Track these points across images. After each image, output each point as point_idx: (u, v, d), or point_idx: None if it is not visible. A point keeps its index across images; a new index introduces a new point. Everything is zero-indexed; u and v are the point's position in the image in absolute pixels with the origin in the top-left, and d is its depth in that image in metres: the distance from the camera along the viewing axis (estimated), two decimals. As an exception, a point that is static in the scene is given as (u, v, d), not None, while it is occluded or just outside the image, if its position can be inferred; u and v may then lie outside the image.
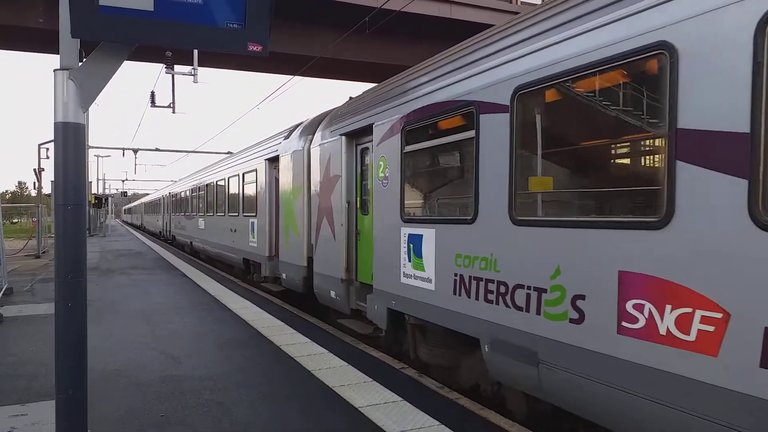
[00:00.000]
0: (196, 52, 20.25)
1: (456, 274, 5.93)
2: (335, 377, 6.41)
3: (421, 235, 6.60)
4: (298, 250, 11.11)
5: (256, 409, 5.43)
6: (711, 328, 3.42)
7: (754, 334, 3.19)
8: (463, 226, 5.82)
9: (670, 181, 3.67)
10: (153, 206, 49.01)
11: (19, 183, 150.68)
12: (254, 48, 3.36)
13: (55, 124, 3.34)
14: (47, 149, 30.43)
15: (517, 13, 20.86)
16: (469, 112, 5.69)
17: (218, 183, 19.33)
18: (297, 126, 12.28)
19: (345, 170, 9.02)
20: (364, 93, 9.40)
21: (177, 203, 30.96)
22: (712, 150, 3.44)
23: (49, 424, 4.88)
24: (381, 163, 7.65)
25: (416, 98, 6.76)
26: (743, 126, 3.25)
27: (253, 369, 6.81)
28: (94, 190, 51.96)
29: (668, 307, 3.68)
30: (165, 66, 21.59)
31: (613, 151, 4.76)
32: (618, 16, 4.09)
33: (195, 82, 21.82)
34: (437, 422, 5.06)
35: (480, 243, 5.55)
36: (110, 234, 48.60)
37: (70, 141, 3.37)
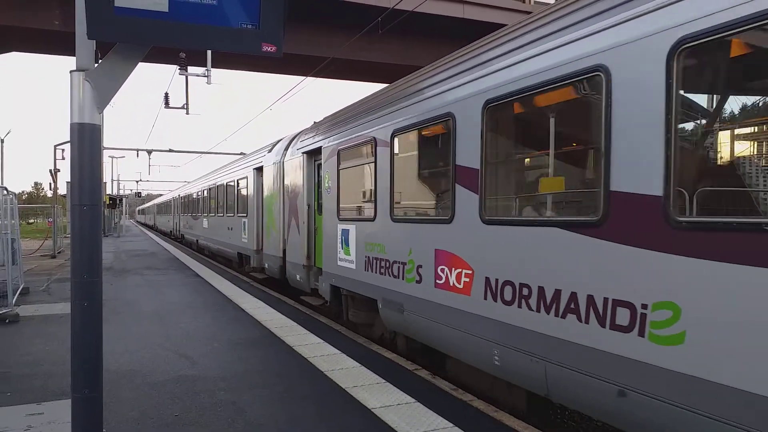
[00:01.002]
0: (209, 53, 20.33)
1: (366, 256, 8.40)
2: (348, 378, 6.40)
3: (349, 230, 9.08)
4: (276, 244, 13.59)
5: (270, 410, 5.43)
6: (468, 280, 5.93)
7: (485, 282, 5.66)
8: (368, 223, 8.31)
9: (453, 195, 6.16)
10: (164, 207, 52.51)
11: (36, 184, 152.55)
12: (268, 49, 3.36)
13: (71, 125, 3.36)
14: (63, 150, 30.71)
15: (529, 12, 20.75)
16: (370, 143, 8.25)
17: (218, 187, 21.79)
18: (277, 141, 14.67)
19: (306, 180, 11.60)
20: (321, 120, 12.01)
21: (185, 205, 33.94)
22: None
23: (64, 423, 4.92)
24: (326, 176, 10.13)
25: (345, 131, 9.38)
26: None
27: (267, 369, 6.82)
28: (108, 191, 52.43)
29: (453, 269, 6.20)
30: (178, 67, 21.73)
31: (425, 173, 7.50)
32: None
33: (208, 83, 21.92)
34: (451, 424, 5.03)
35: (377, 234, 8.05)
36: (124, 234, 49.02)
37: (86, 142, 3.38)
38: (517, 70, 5.26)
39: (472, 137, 5.85)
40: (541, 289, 4.92)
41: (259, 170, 15.57)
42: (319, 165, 10.84)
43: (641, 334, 3.98)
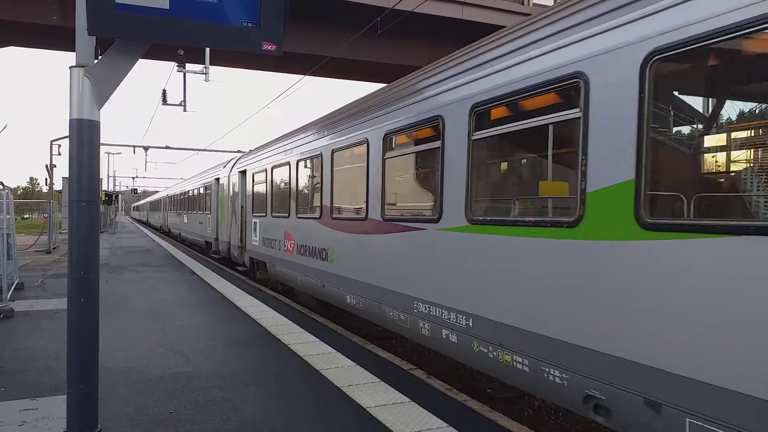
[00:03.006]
0: (207, 50, 20.30)
1: (263, 238, 14.01)
2: (343, 377, 6.41)
3: (256, 222, 14.75)
4: (225, 233, 19.22)
5: (265, 408, 5.44)
6: (292, 246, 11.52)
7: (298, 247, 11.20)
8: (264, 218, 13.92)
9: (289, 201, 12.13)
10: (155, 205, 59.81)
11: (31, 179, 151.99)
12: (269, 47, 3.37)
13: (70, 120, 3.36)
14: (59, 146, 30.63)
15: (528, 14, 20.77)
16: (265, 170, 13.58)
17: (192, 191, 28.52)
18: (230, 160, 20.71)
19: (240, 189, 17.13)
20: (250, 150, 18.55)
21: (171, 204, 40.71)
22: None
23: (59, 419, 4.92)
24: (248, 187, 15.98)
25: (256, 160, 15.31)
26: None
27: (262, 367, 6.83)
28: (104, 187, 52.26)
29: (289, 241, 11.85)
30: (177, 64, 21.67)
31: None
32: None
33: (206, 80, 21.89)
34: (445, 424, 5.04)
35: (267, 225, 13.62)
36: (120, 231, 48.87)
37: (85, 138, 3.39)
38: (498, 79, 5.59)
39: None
40: (312, 247, 10.50)
41: (217, 180, 20.98)
42: (248, 179, 16.30)
43: (324, 259, 9.80)
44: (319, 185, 10.16)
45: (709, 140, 4.56)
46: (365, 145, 8.28)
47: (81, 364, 3.47)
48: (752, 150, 4.27)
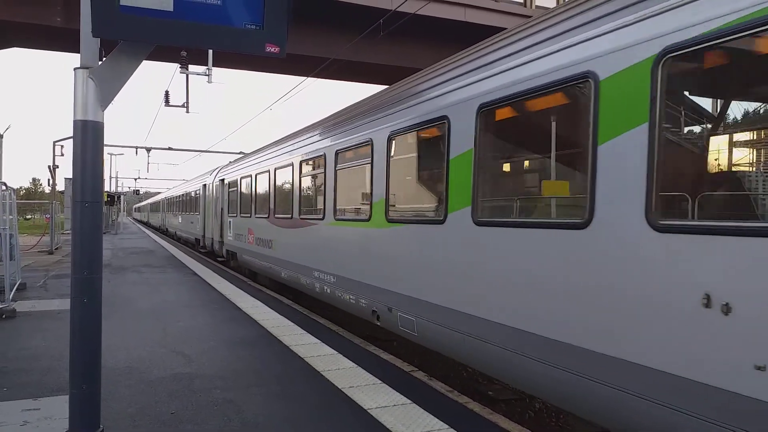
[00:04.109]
0: (210, 52, 20.34)
1: (235, 233, 17.62)
2: (344, 378, 6.42)
3: (231, 221, 18.38)
4: (210, 230, 22.90)
5: (266, 409, 5.45)
6: (253, 239, 15.33)
7: (256, 239, 14.94)
8: (235, 217, 17.67)
9: (251, 204, 16.04)
10: (155, 206, 64.73)
11: (34, 179, 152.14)
12: (272, 49, 3.39)
13: (75, 122, 3.38)
14: (62, 146, 30.71)
15: (529, 16, 20.78)
16: (237, 180, 17.80)
17: (185, 194, 32.65)
18: (215, 169, 24.00)
19: (221, 195, 20.68)
20: (228, 162, 22.96)
21: (168, 205, 45.54)
22: None
23: (61, 419, 4.93)
24: (226, 192, 19.59)
25: (231, 171, 19.12)
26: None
27: (263, 369, 6.84)
28: (107, 188, 52.32)
29: (251, 235, 15.54)
30: (180, 66, 21.74)
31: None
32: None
33: (209, 82, 21.95)
34: (446, 426, 5.05)
35: (238, 223, 17.36)
36: (122, 232, 48.94)
37: (89, 139, 3.41)
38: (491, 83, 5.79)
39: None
40: (264, 239, 14.12)
41: (204, 186, 24.53)
42: (225, 186, 20.03)
43: (270, 247, 13.72)
44: (266, 193, 14.18)
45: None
46: (291, 167, 12.10)
47: (84, 364, 3.48)
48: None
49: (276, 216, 13.10)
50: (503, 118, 5.69)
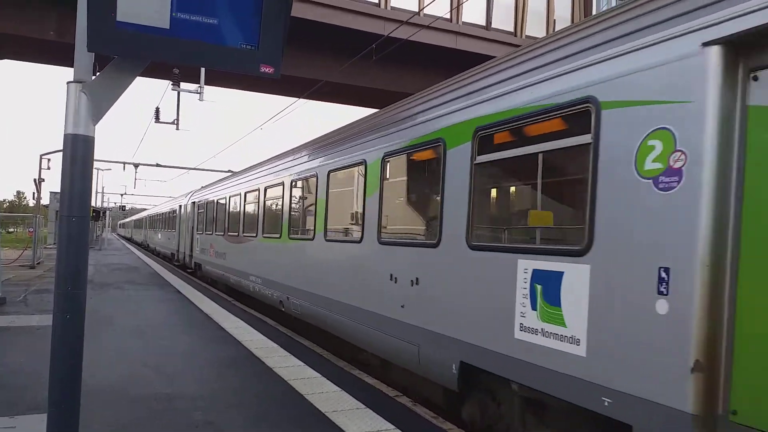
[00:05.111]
0: (203, 70, 20.38)
1: (202, 248, 21.11)
2: (328, 402, 6.34)
3: (199, 237, 22.04)
4: (183, 245, 26.26)
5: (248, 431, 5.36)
6: (213, 253, 18.84)
7: (215, 251, 18.78)
8: (203, 234, 21.03)
9: (223, 223, 18.44)
10: (138, 223, 68.69)
11: (18, 192, 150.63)
12: (266, 69, 3.40)
13: (65, 135, 3.35)
14: (49, 160, 30.48)
15: (518, 45, 21.10)
16: (205, 203, 21.28)
17: (164, 213, 36.52)
18: (189, 192, 27.69)
19: (192, 215, 23.89)
20: (200, 187, 26.32)
21: (150, 222, 49.45)
22: None
23: (36, 437, 4.81)
24: (196, 213, 23.15)
25: (202, 195, 22.58)
26: None
27: (246, 390, 6.74)
28: (92, 203, 51.85)
29: (212, 249, 19.05)
30: (171, 83, 21.76)
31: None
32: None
33: (201, 100, 21.97)
34: (430, 452, 4.98)
35: (204, 239, 20.79)
36: (106, 248, 48.39)
37: (79, 153, 3.37)
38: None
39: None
40: (220, 252, 17.89)
41: (180, 207, 28.07)
42: (195, 208, 23.56)
43: (224, 258, 17.45)
44: (223, 215, 17.73)
45: None
46: (238, 196, 15.99)
47: (63, 381, 3.40)
48: None
49: (228, 234, 16.74)
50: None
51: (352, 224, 8.63)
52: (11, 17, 19.72)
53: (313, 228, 9.94)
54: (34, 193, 32.26)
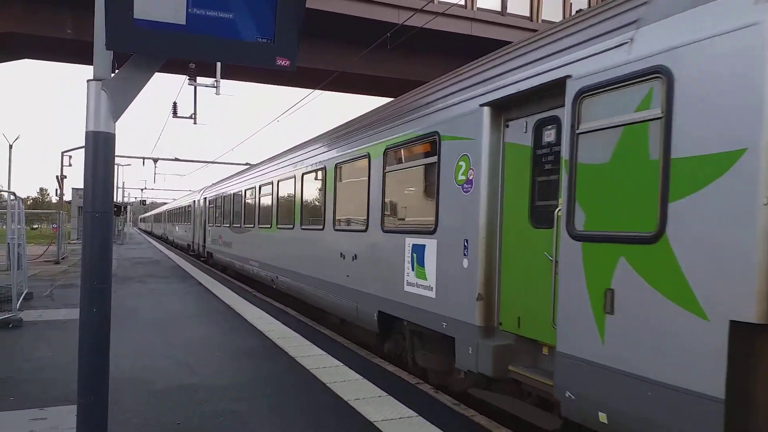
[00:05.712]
0: (219, 64, 20.48)
1: (212, 239, 24.29)
2: (350, 391, 6.40)
3: (210, 229, 24.90)
4: (197, 237, 29.06)
5: (272, 420, 5.44)
6: (222, 242, 21.90)
7: (222, 240, 21.78)
8: (215, 227, 23.40)
9: (229, 216, 21.21)
10: (158, 217, 72.55)
11: (41, 189, 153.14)
12: (282, 62, 3.41)
13: (87, 133, 3.40)
14: (70, 157, 30.91)
15: (535, 30, 20.83)
16: (216, 198, 24.11)
17: (181, 208, 39.19)
18: (202, 188, 30.38)
19: (204, 209, 27.00)
20: (211, 184, 29.20)
21: (167, 217, 53.96)
22: None
23: (67, 429, 4.94)
24: (209, 208, 25.78)
25: (212, 192, 25.30)
26: None
27: (269, 380, 6.83)
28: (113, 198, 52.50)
29: (221, 239, 21.97)
30: (188, 78, 21.88)
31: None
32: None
33: (217, 94, 22.06)
34: (453, 439, 5.02)
35: (217, 230, 23.06)
36: (128, 242, 49.09)
37: (101, 150, 3.43)
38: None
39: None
40: (227, 241, 20.68)
41: (194, 201, 30.68)
42: (206, 202, 26.20)
43: (230, 247, 20.41)
44: (229, 210, 20.38)
45: None
46: (241, 193, 18.65)
47: (92, 374, 3.48)
48: None
49: (234, 226, 19.41)
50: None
51: (318, 217, 10.85)
52: (30, 17, 19.98)
53: (293, 219, 12.44)
54: (56, 189, 32.75)
